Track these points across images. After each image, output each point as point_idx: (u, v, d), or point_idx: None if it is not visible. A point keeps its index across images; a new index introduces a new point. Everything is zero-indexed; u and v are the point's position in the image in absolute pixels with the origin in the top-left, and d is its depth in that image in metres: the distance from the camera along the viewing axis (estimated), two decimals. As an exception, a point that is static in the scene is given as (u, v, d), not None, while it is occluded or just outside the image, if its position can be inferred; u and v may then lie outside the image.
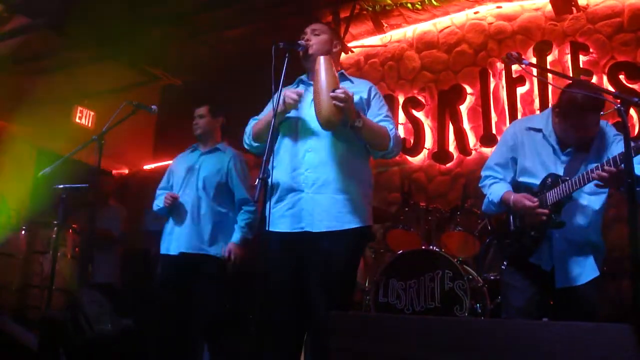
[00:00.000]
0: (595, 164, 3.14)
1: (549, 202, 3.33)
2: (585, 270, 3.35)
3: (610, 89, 5.87)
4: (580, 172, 3.26)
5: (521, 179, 3.59)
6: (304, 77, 3.58)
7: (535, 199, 3.36)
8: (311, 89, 3.36)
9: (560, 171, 3.40)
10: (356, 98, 3.30)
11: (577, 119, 3.30)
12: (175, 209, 4.76)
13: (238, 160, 4.85)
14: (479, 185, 3.80)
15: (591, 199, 3.41)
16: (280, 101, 3.21)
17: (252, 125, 3.54)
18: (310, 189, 3.26)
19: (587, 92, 3.23)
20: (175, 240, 4.70)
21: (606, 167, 3.02)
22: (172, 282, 4.70)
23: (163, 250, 4.76)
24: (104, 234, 6.31)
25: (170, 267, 4.71)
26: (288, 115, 3.37)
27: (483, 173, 3.77)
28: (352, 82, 3.51)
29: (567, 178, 3.28)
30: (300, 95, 3.30)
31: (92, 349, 3.98)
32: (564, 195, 3.27)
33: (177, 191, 4.82)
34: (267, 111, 3.52)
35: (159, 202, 4.86)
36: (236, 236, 4.67)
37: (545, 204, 3.35)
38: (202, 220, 4.69)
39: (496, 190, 3.60)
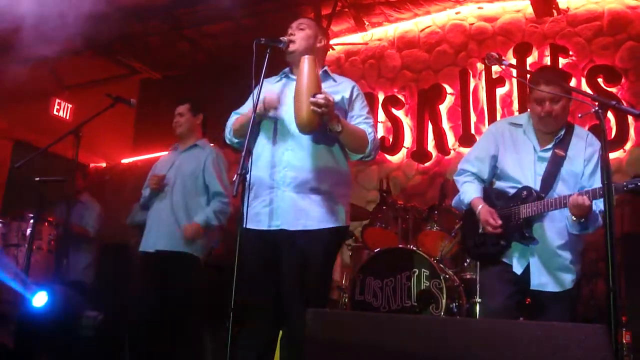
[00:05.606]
0: (569, 192, 3.24)
1: (521, 216, 3.38)
2: (558, 280, 3.37)
3: (589, 91, 5.91)
4: (556, 185, 3.38)
5: (497, 185, 3.64)
6: (287, 70, 3.54)
7: (499, 222, 3.40)
8: (294, 84, 3.31)
9: (539, 172, 3.44)
10: (338, 97, 3.28)
11: (536, 91, 3.40)
12: (155, 203, 4.77)
13: (215, 156, 4.80)
14: (454, 177, 3.84)
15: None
16: (260, 104, 3.18)
17: (233, 120, 3.51)
18: (288, 187, 3.22)
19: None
20: (152, 237, 4.68)
21: (578, 198, 3.12)
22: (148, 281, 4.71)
23: (142, 248, 4.73)
24: (80, 231, 6.25)
25: (147, 266, 4.72)
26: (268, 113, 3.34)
27: (460, 166, 3.81)
28: (335, 80, 3.48)
29: (543, 195, 3.34)
30: (279, 101, 3.30)
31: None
32: (536, 213, 3.33)
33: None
34: (248, 107, 3.47)
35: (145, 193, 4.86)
36: (200, 217, 4.62)
37: (518, 216, 3.39)
38: (179, 217, 4.65)
39: (468, 191, 3.64)
